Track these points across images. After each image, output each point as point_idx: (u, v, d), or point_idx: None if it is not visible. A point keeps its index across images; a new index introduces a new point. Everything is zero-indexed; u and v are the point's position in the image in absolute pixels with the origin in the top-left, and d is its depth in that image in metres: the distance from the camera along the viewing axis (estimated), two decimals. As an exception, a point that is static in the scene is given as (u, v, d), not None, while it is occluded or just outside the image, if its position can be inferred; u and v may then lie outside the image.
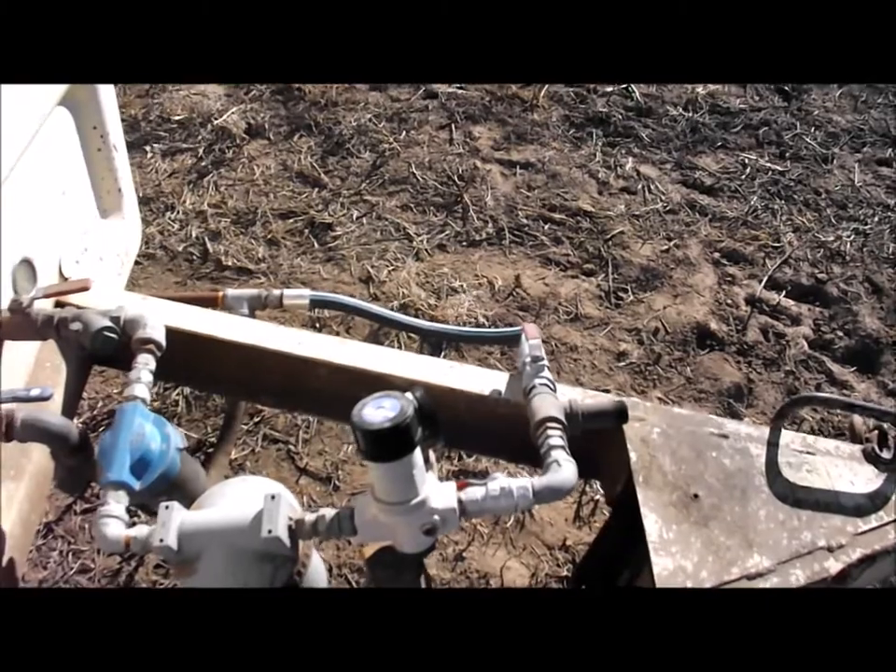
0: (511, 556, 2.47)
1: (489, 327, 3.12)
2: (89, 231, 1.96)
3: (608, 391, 2.90)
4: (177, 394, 2.90)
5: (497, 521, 2.55)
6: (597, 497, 2.60)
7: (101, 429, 2.87)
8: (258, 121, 4.02)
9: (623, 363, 3.02)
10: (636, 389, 2.94)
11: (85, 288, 1.58)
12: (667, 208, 3.62)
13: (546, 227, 3.53)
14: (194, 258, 3.43)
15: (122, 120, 2.05)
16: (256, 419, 2.84)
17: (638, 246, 3.45)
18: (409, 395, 1.15)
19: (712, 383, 2.95)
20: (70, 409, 1.84)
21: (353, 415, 1.11)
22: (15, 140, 1.57)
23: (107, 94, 1.90)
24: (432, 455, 1.24)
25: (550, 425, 1.31)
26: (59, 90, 1.71)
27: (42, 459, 1.68)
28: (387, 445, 1.10)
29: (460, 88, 4.23)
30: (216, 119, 4.01)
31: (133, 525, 1.32)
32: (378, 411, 1.10)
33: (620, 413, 1.42)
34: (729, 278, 3.33)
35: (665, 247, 3.44)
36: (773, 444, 1.53)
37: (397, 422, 1.08)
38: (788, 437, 1.55)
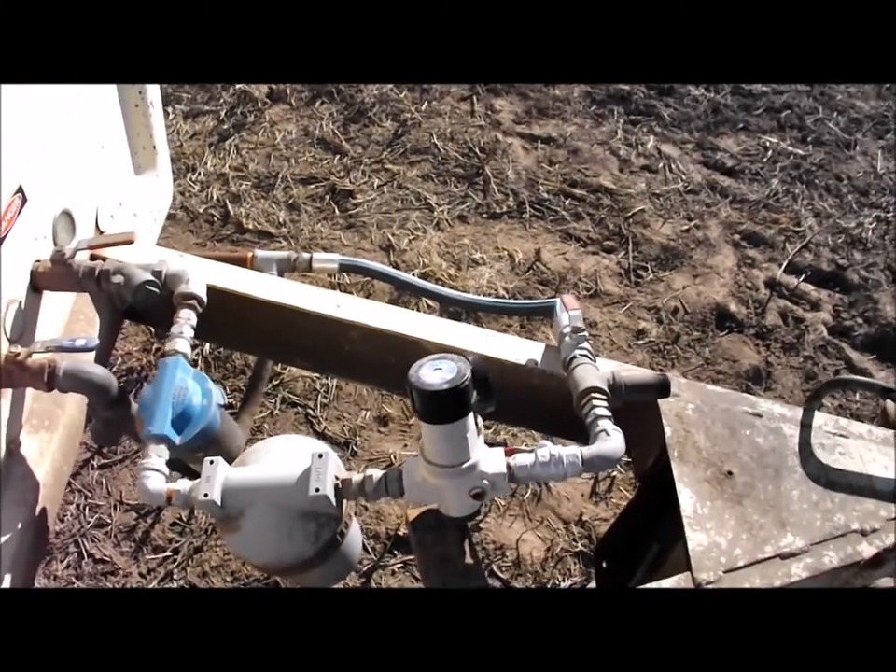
0: (528, 529, 2.48)
1: (509, 299, 3.12)
2: (124, 186, 1.95)
3: (626, 369, 2.90)
4: (196, 353, 2.90)
5: (514, 492, 2.56)
6: (614, 473, 2.61)
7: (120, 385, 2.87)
8: (279, 86, 3.99)
9: (641, 341, 3.03)
10: (654, 367, 2.94)
11: (130, 241, 1.58)
12: (688, 188, 3.61)
13: (567, 202, 3.52)
14: (215, 219, 3.42)
15: (143, 79, 2.04)
16: (275, 382, 2.85)
17: (659, 225, 3.44)
18: (464, 358, 1.15)
19: (731, 365, 2.95)
20: (101, 362, 1.83)
21: (410, 375, 1.11)
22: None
23: None
24: (481, 420, 1.24)
25: (595, 395, 1.31)
26: None
27: (75, 411, 1.68)
28: (444, 407, 1.11)
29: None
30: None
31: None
32: (435, 372, 1.10)
33: (662, 387, 1.42)
34: (749, 261, 3.32)
35: (686, 227, 3.43)
36: (806, 425, 1.53)
37: (455, 384, 1.08)
38: (821, 418, 1.55)
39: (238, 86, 3.93)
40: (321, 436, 2.75)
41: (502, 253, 3.31)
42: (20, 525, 1.51)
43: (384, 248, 3.32)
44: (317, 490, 1.21)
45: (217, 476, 1.27)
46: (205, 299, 1.55)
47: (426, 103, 3.93)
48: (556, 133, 3.81)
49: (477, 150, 3.70)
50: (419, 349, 1.70)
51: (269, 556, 1.31)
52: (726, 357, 2.99)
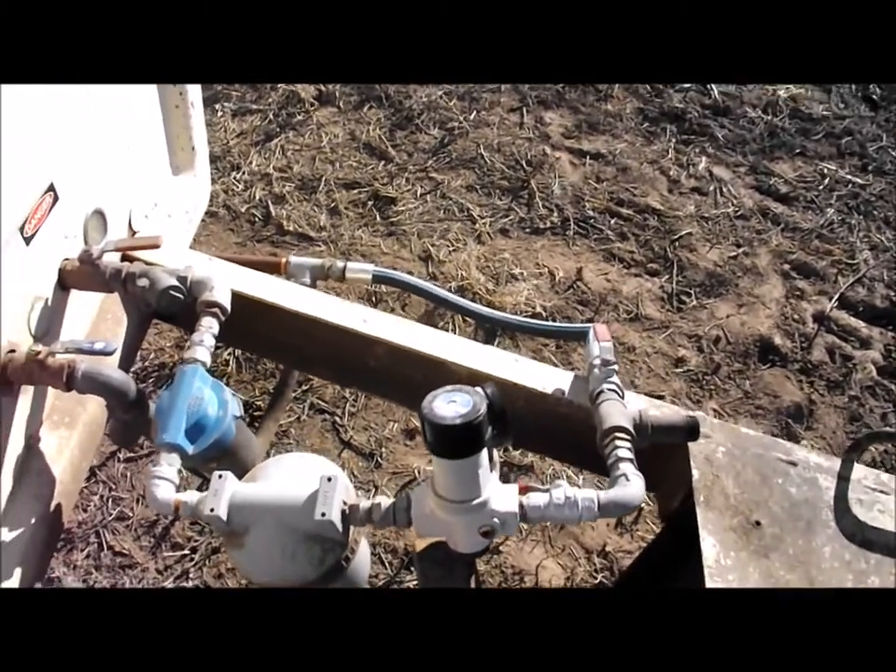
0: (549, 556, 2.42)
1: (547, 318, 3.07)
2: (160, 186, 1.94)
3: (661, 397, 2.83)
4: (228, 353, 2.90)
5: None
6: (643, 505, 2.53)
7: (150, 380, 2.88)
8: (328, 89, 3.99)
9: (680, 369, 2.95)
10: (691, 398, 2.86)
11: (156, 246, 1.56)
12: (739, 213, 3.51)
13: (612, 221, 3.45)
14: (256, 219, 3.42)
15: (196, 77, 2.03)
16: (304, 387, 2.83)
17: (706, 250, 3.36)
18: (481, 390, 1.11)
19: (771, 400, 2.86)
20: (127, 362, 1.83)
21: (423, 407, 1.07)
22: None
23: None
24: (496, 455, 1.19)
25: (618, 435, 1.26)
26: None
27: (96, 410, 1.67)
28: (456, 442, 1.06)
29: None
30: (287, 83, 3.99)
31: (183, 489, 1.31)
32: (449, 405, 1.06)
33: (691, 430, 1.36)
34: (798, 292, 3.22)
35: (734, 254, 3.34)
36: (844, 478, 1.46)
37: (469, 419, 1.04)
38: (860, 472, 1.47)
39: (287, 86, 3.93)
40: (347, 445, 2.72)
41: (542, 270, 3.25)
42: (33, 520, 1.51)
43: (422, 258, 3.28)
44: (323, 515, 1.18)
45: (225, 491, 1.25)
46: (229, 307, 1.53)
47: (474, 112, 3.89)
48: (606, 150, 3.74)
49: (524, 163, 3.65)
50: (445, 370, 1.67)
51: (272, 576, 1.28)
52: (767, 392, 2.89)
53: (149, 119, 1.86)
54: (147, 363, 2.90)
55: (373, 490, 2.61)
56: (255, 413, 2.76)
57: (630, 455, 1.23)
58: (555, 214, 3.47)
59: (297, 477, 1.30)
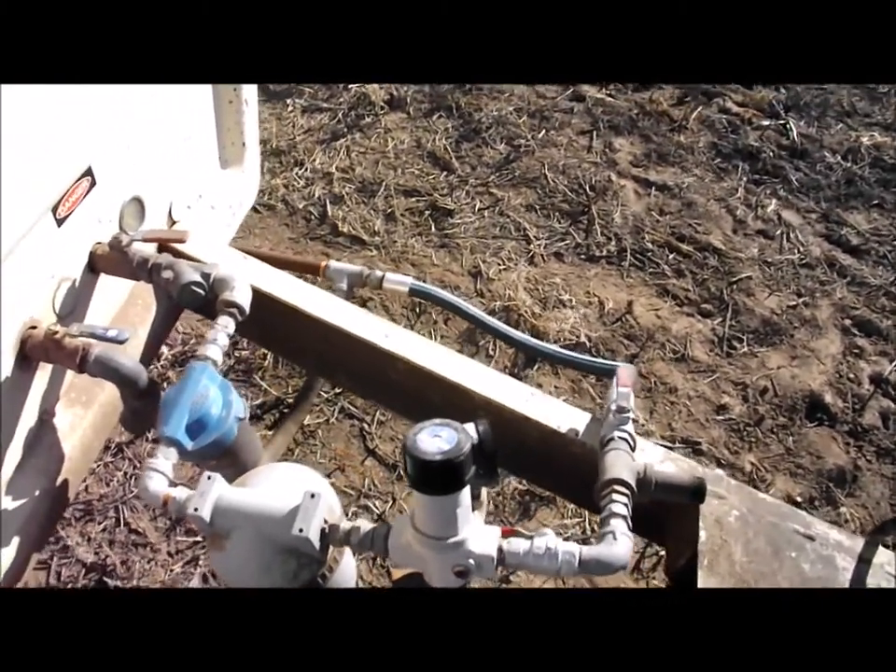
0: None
1: (590, 349, 3.00)
2: (206, 178, 1.96)
3: (698, 444, 2.75)
4: (263, 347, 2.91)
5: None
6: (662, 552, 2.45)
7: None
8: (400, 94, 4.00)
9: (721, 417, 2.85)
10: (729, 448, 2.76)
11: (181, 240, 1.57)
12: (804, 261, 3.39)
13: (670, 256, 3.37)
14: (312, 217, 3.44)
15: (268, 71, 2.04)
16: (337, 391, 2.82)
17: (764, 296, 3.24)
18: (471, 428, 1.07)
19: (814, 460, 2.74)
20: (152, 349, 1.85)
21: (407, 437, 1.04)
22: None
23: None
24: (484, 493, 1.16)
25: (617, 488, 1.21)
26: None
27: (114, 392, 1.69)
28: (435, 478, 1.03)
29: (609, 95, 4.08)
30: (359, 84, 4.01)
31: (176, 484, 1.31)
32: (433, 439, 1.03)
33: (696, 492, 1.30)
34: (857, 350, 3.08)
35: (793, 303, 3.22)
36: (865, 560, 1.37)
37: (449, 457, 1.00)
38: (884, 556, 1.38)
39: (359, 88, 3.95)
40: (371, 453, 2.71)
41: (592, 299, 3.19)
42: (37, 492, 1.54)
43: (472, 274, 3.25)
44: (301, 531, 1.16)
45: (212, 493, 1.24)
46: (247, 308, 1.52)
47: (543, 131, 3.85)
48: (673, 182, 3.66)
49: (587, 188, 3.59)
50: (462, 395, 1.64)
51: (246, 583, 1.28)
52: (810, 451, 2.77)
53: (201, 112, 1.87)
54: (186, 347, 2.93)
55: (391, 502, 2.59)
56: (283, 411, 2.77)
57: (625, 511, 1.18)
58: (613, 243, 3.40)
59: (285, 488, 1.29)
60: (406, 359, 1.67)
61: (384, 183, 3.55)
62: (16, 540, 1.49)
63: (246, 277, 1.56)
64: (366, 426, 2.78)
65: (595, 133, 3.87)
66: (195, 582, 2.38)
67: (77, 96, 1.41)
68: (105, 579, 2.38)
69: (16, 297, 1.41)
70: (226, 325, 1.49)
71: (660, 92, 4.13)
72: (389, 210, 3.46)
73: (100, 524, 2.54)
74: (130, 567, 2.42)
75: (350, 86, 3.98)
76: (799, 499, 2.65)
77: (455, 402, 1.64)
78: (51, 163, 1.38)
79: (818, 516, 2.61)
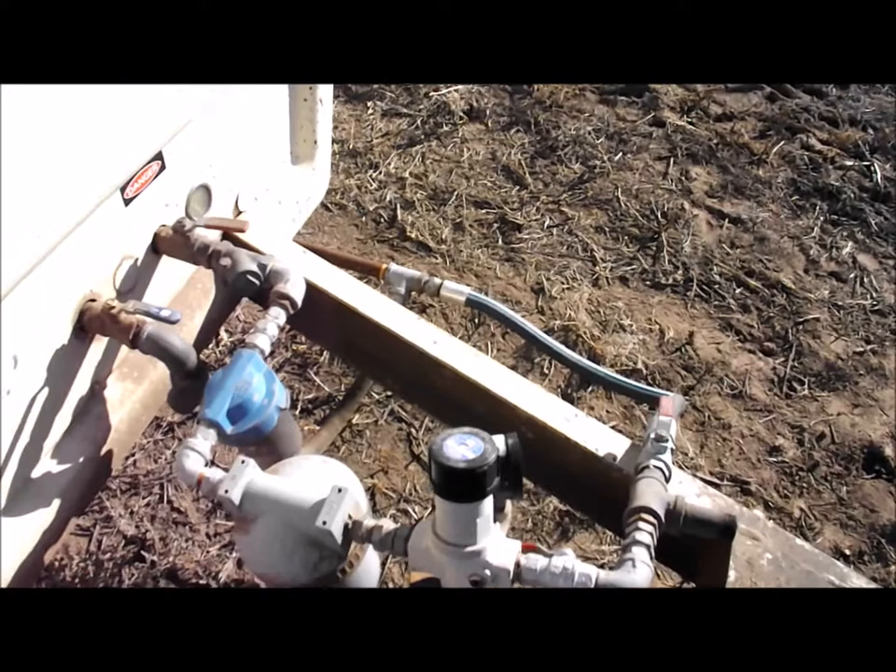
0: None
1: (647, 377, 2.96)
2: (276, 173, 2.00)
3: (747, 484, 2.68)
4: (314, 343, 2.94)
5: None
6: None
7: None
8: (480, 105, 4.02)
9: (774, 458, 2.78)
10: (778, 491, 2.69)
11: (241, 230, 1.61)
12: (876, 307, 3.28)
13: (738, 290, 3.30)
14: (382, 220, 3.48)
15: (352, 72, 2.07)
16: (388, 393, 2.84)
17: (830, 340, 3.15)
18: (500, 440, 1.08)
19: (867, 513, 2.64)
20: (207, 333, 1.90)
21: (433, 442, 1.05)
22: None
23: None
24: (509, 506, 1.16)
25: (644, 517, 1.19)
26: None
27: (166, 371, 1.74)
28: (457, 485, 1.04)
29: (690, 122, 4.02)
30: (441, 92, 4.05)
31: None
32: (460, 447, 1.03)
33: (725, 529, 1.27)
34: (923, 405, 2.97)
35: (860, 349, 3.12)
36: None
37: (473, 465, 1.01)
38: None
39: (439, 95, 3.99)
40: (416, 458, 2.72)
41: (653, 326, 3.15)
42: (82, 459, 1.59)
43: (535, 290, 3.24)
44: (324, 523, 1.18)
45: (243, 477, 1.27)
46: (300, 302, 1.55)
47: (620, 153, 3.82)
48: (747, 216, 3.59)
49: (659, 214, 3.55)
50: (503, 406, 1.64)
51: (267, 568, 1.30)
52: (864, 504, 2.68)
53: (276, 108, 1.92)
54: (246, 336, 2.99)
55: (430, 509, 2.60)
56: (333, 407, 2.80)
57: (648, 540, 1.16)
58: (680, 272, 3.35)
59: (315, 480, 1.31)
60: (452, 368, 1.68)
61: (455, 192, 3.58)
62: (57, 502, 1.54)
63: (302, 271, 1.60)
64: (413, 430, 2.79)
65: (672, 159, 3.83)
66: (229, 566, 2.42)
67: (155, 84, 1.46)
68: (143, 552, 2.44)
69: (79, 268, 1.46)
70: (277, 316, 1.52)
71: (742, 124, 4.06)
72: (458, 220, 3.48)
73: (144, 498, 2.60)
74: (168, 543, 2.47)
75: (431, 93, 4.02)
76: (847, 552, 2.56)
77: (499, 415, 1.64)
78: (123, 144, 1.43)
79: (866, 572, 2.54)
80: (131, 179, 1.48)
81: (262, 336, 1.49)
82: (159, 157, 1.53)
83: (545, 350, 1.96)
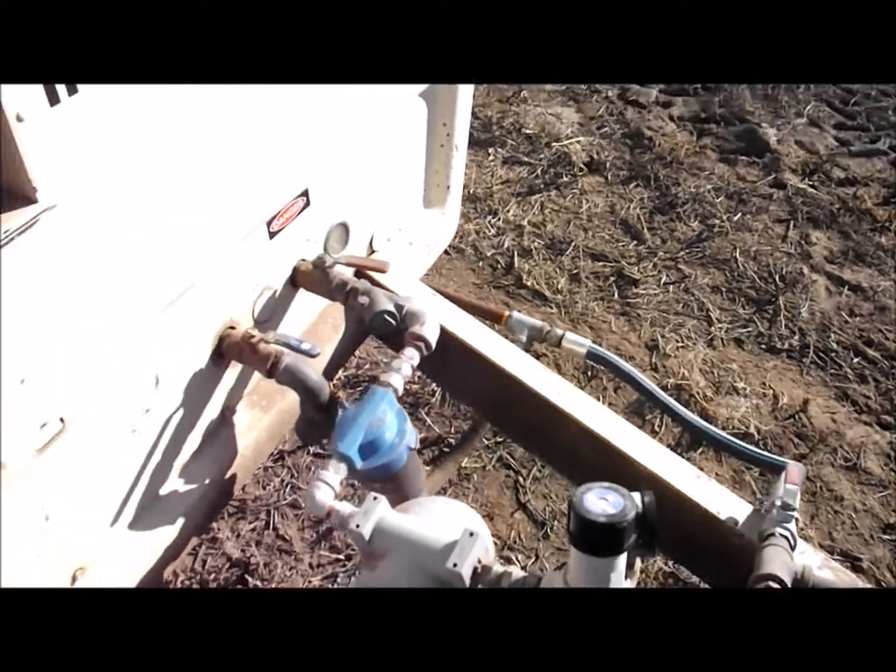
0: None
1: (758, 442, 2.89)
2: (409, 215, 2.07)
3: (858, 560, 2.58)
4: (437, 385, 2.99)
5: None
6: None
7: (358, 388, 3.04)
8: (600, 157, 4.05)
9: (888, 536, 2.66)
10: (892, 571, 2.57)
11: (382, 270, 1.67)
12: None
13: (855, 360, 3.20)
14: (498, 266, 3.53)
15: (477, 119, 2.12)
16: (499, 439, 2.86)
17: (953, 417, 3.02)
18: (637, 496, 1.08)
19: None
20: (334, 366, 1.97)
21: (574, 494, 1.06)
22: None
23: (465, 96, 1.99)
24: (638, 564, 1.16)
25: (771, 585, 1.18)
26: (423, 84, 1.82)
27: (293, 401, 1.81)
28: (595, 540, 1.05)
29: (811, 185, 3.95)
30: (562, 143, 4.10)
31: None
32: (600, 501, 1.05)
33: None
34: None
35: (985, 428, 2.97)
36: None
37: (613, 521, 1.02)
38: None
39: (560, 146, 4.04)
40: (522, 507, 2.72)
41: (767, 391, 3.08)
42: (207, 481, 1.65)
43: (649, 347, 3.22)
44: (455, 565, 1.20)
45: (375, 513, 1.30)
46: (434, 344, 1.60)
47: (739, 214, 3.77)
48: (868, 284, 3.48)
49: (777, 277, 3.48)
50: (627, 465, 1.64)
51: (391, 607, 1.32)
52: None
53: (414, 152, 1.99)
54: (360, 371, 3.07)
55: (534, 559, 2.59)
56: (443, 449, 2.83)
57: (780, 611, 1.14)
58: (796, 337, 3.27)
59: (445, 522, 1.33)
60: (576, 419, 1.69)
61: (573, 243, 3.60)
62: (181, 521, 1.60)
63: (437, 315, 1.64)
64: (521, 478, 2.79)
65: (792, 222, 3.76)
66: (330, 596, 2.46)
67: (307, 122, 1.53)
68: (247, 576, 2.50)
69: (223, 295, 1.54)
70: (411, 357, 1.56)
71: (865, 189, 3.96)
72: (575, 270, 3.49)
73: (250, 523, 2.67)
74: (272, 570, 2.53)
75: (552, 143, 4.08)
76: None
77: (620, 471, 1.64)
78: (275, 180, 1.51)
79: None
80: (277, 213, 1.55)
81: (397, 375, 1.53)
82: (305, 193, 1.61)
83: (663, 408, 1.94)
